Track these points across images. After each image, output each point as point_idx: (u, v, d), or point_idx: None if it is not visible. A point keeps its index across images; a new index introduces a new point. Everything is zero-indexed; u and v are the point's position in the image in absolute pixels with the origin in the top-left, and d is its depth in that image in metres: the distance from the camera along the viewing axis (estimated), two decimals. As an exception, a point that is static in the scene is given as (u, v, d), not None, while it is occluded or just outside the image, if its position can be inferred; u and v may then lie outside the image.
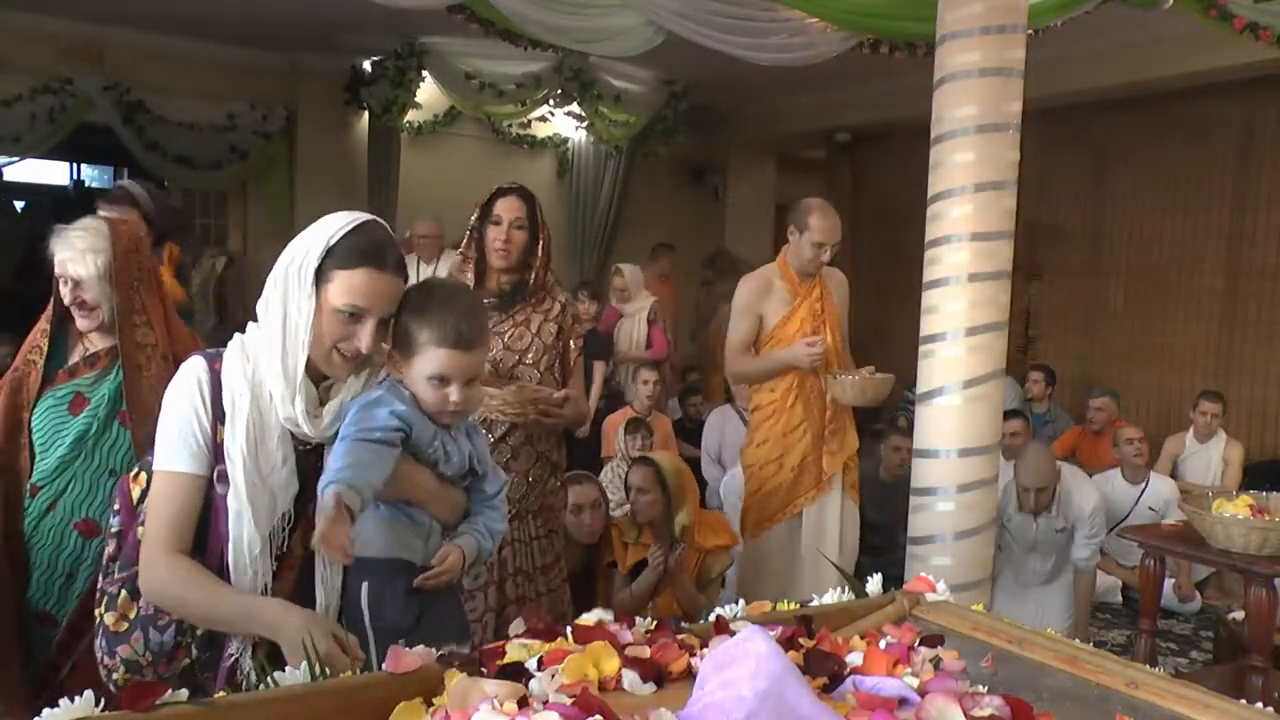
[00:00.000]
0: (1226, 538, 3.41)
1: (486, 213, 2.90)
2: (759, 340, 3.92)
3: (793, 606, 1.64)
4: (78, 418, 2.40)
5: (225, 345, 1.79)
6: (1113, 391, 6.51)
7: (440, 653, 1.30)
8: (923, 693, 1.25)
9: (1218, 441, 5.91)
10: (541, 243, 2.92)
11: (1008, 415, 5.68)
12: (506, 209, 2.88)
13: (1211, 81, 6.53)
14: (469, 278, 2.92)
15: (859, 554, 4.07)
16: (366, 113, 7.90)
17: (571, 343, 2.98)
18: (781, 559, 3.91)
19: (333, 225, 1.72)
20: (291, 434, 1.74)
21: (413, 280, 1.81)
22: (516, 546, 2.92)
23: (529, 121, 8.54)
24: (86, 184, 10.64)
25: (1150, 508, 5.30)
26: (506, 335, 2.90)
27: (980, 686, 1.33)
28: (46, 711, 1.11)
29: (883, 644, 1.46)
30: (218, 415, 1.71)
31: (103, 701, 1.16)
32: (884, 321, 7.98)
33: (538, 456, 2.93)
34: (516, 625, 1.42)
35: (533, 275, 2.92)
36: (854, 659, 1.38)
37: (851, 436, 3.98)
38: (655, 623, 1.46)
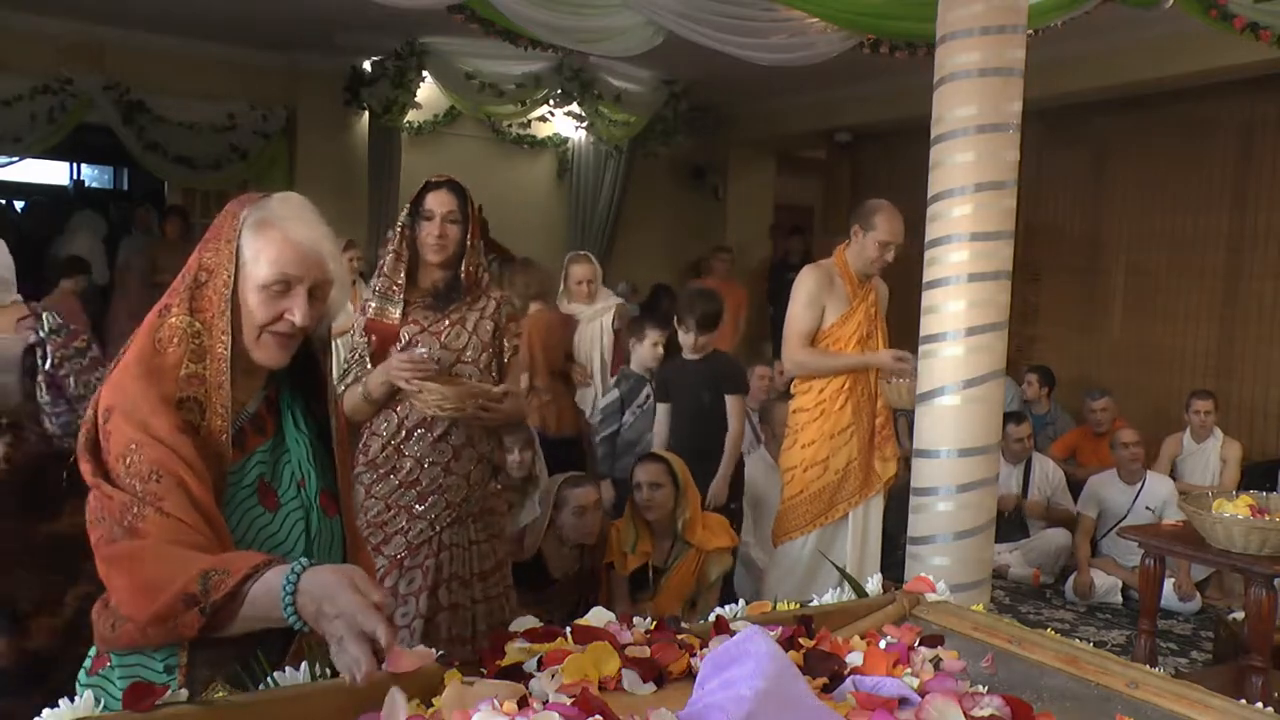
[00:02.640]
0: (1226, 538, 3.41)
1: (417, 208, 2.79)
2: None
3: (793, 607, 1.64)
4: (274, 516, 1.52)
5: None
6: (1107, 391, 6.50)
7: (440, 653, 1.30)
8: (923, 693, 1.25)
9: (1215, 441, 5.90)
10: (471, 237, 2.81)
11: (1014, 418, 5.69)
12: (438, 203, 2.77)
13: (1211, 81, 6.53)
14: (400, 277, 2.81)
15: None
16: (366, 113, 7.90)
17: (506, 341, 2.89)
18: (815, 563, 3.89)
19: None
20: None
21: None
22: (454, 551, 2.78)
23: (529, 121, 8.53)
24: (86, 184, 10.65)
25: (1147, 507, 5.31)
26: (444, 334, 2.80)
27: (980, 686, 1.33)
28: (47, 711, 1.11)
29: (883, 644, 1.46)
30: None
31: (103, 702, 1.16)
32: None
33: (479, 458, 2.83)
34: (519, 624, 1.42)
35: (464, 271, 2.83)
36: (854, 659, 1.38)
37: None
38: (655, 623, 1.46)
